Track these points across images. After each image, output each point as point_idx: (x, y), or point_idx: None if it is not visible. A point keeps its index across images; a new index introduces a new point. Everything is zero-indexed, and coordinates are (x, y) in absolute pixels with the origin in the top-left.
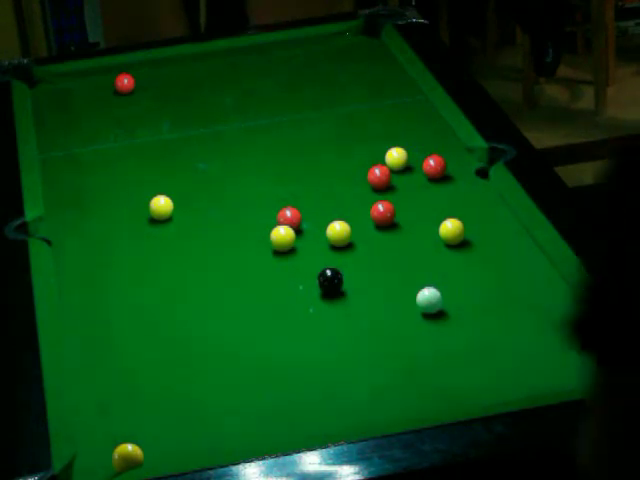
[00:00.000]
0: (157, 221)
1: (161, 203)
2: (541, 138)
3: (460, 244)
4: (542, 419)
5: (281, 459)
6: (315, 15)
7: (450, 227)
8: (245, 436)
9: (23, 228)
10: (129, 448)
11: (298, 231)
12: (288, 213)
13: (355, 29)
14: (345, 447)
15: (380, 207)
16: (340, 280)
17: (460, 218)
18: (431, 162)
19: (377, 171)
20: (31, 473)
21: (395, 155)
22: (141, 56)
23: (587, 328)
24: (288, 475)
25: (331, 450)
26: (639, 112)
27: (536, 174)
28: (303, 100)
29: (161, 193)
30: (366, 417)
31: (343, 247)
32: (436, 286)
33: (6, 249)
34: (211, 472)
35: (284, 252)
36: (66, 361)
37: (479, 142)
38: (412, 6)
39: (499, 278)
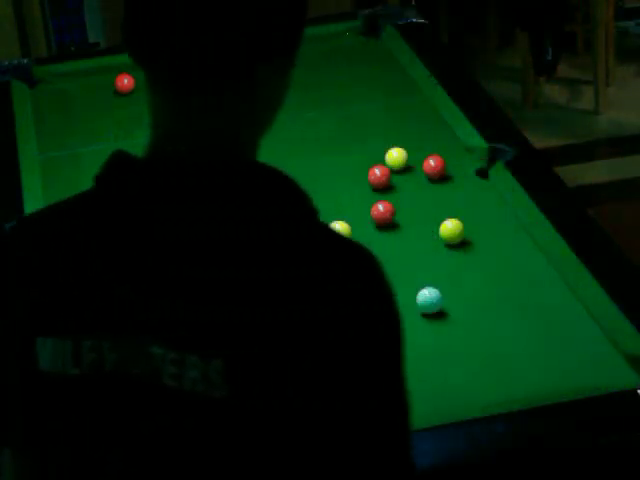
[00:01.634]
0: None
1: None
2: (541, 138)
3: (460, 244)
4: (542, 419)
5: None
6: (315, 15)
7: (450, 227)
8: None
9: None
10: None
11: None
12: None
13: (355, 29)
14: None
15: (380, 207)
16: None
17: (460, 218)
18: (431, 162)
19: (377, 171)
20: None
21: (395, 155)
22: None
23: None
24: None
25: None
26: (639, 112)
27: (536, 174)
28: (303, 100)
29: None
30: None
31: None
32: (436, 286)
33: None
34: None
35: None
36: None
37: (479, 142)
38: (412, 6)
39: (499, 278)
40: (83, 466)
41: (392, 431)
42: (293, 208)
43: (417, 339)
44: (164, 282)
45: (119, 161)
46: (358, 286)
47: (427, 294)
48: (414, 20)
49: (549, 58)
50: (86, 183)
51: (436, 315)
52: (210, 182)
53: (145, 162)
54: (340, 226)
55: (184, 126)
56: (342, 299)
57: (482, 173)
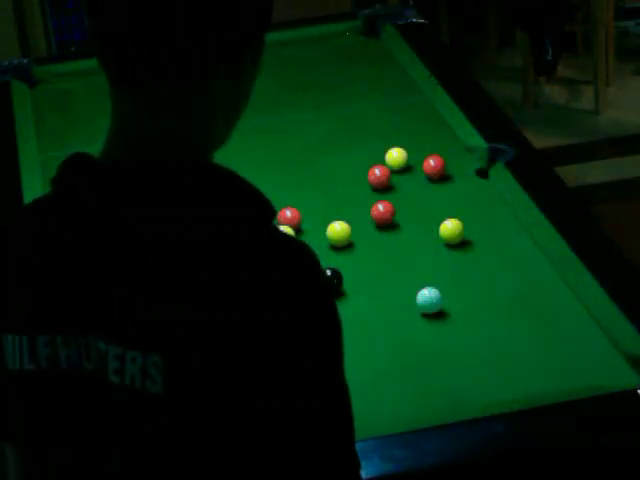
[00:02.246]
0: None
1: None
2: (541, 138)
3: (460, 244)
4: (542, 419)
5: None
6: (315, 15)
7: (450, 227)
8: None
9: None
10: None
11: (298, 231)
12: (288, 213)
13: (355, 29)
14: None
15: (380, 207)
16: (340, 280)
17: (460, 218)
18: (431, 162)
19: (377, 171)
20: None
21: (395, 155)
22: None
23: None
24: None
25: None
26: (639, 112)
27: (536, 174)
28: (303, 100)
29: None
30: (366, 417)
31: (343, 247)
32: (436, 286)
33: None
34: None
35: None
36: None
37: (479, 142)
38: (412, 6)
39: (498, 278)
40: (41, 461)
41: (333, 429)
42: (240, 210)
43: (417, 339)
44: (109, 280)
45: (74, 164)
46: (295, 290)
47: (427, 294)
48: (414, 20)
49: (549, 58)
50: None
51: (436, 315)
52: (155, 183)
53: (96, 164)
54: (340, 226)
55: (136, 127)
56: (279, 303)
57: (482, 173)
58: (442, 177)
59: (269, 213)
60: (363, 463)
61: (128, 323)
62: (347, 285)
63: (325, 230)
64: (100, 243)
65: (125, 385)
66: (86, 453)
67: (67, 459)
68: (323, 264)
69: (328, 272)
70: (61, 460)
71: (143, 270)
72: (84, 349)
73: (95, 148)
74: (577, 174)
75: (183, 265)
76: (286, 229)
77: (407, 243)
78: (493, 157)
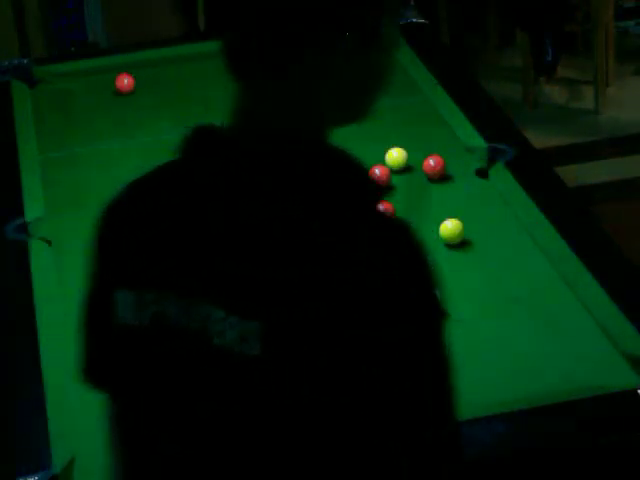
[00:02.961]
0: None
1: None
2: (541, 138)
3: (460, 244)
4: (542, 419)
5: None
6: None
7: (450, 227)
8: None
9: (23, 228)
10: None
11: None
12: None
13: None
14: None
15: (380, 207)
16: None
17: (460, 218)
18: (431, 162)
19: (377, 171)
20: (31, 473)
21: (395, 155)
22: (141, 56)
23: None
24: None
25: None
26: (639, 112)
27: (536, 174)
28: None
29: None
30: None
31: None
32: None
33: (6, 249)
34: None
35: None
36: (67, 361)
37: (479, 142)
38: (412, 6)
39: (499, 278)
40: (138, 412)
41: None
42: (342, 190)
43: None
44: (222, 250)
45: (198, 134)
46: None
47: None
48: (414, 20)
49: (549, 58)
50: (85, 183)
51: None
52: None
53: (217, 137)
54: None
55: (254, 106)
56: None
57: (482, 173)
58: (442, 177)
59: (372, 195)
60: None
61: (230, 290)
62: None
63: None
64: (209, 210)
65: (225, 347)
66: (181, 407)
67: (163, 411)
68: None
69: None
70: (157, 412)
71: (255, 246)
72: (189, 309)
73: (95, 148)
74: (577, 174)
75: (290, 244)
76: None
77: None
78: (493, 157)
